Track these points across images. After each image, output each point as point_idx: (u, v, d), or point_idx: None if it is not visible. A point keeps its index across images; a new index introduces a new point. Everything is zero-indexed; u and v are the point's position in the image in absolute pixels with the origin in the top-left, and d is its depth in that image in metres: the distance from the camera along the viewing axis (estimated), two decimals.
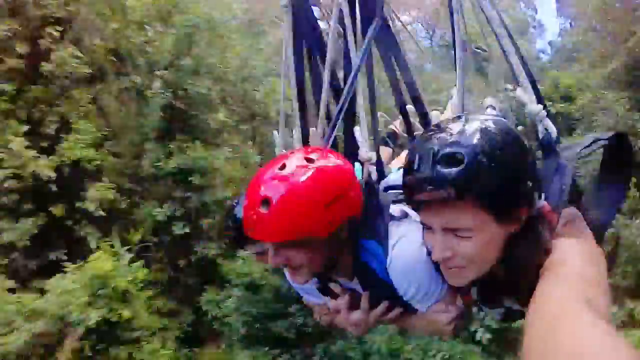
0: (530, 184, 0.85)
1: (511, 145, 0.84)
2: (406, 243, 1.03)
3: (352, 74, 1.30)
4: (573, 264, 0.74)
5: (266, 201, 0.92)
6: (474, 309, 1.22)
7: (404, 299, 1.14)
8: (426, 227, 0.92)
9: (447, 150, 0.81)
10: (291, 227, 0.92)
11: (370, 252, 1.12)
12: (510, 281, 0.93)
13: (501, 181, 0.81)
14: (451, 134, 0.84)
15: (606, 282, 0.78)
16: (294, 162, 0.98)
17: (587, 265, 0.73)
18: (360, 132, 1.27)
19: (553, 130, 1.11)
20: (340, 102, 1.29)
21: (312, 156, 1.01)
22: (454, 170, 0.79)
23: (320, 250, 1.03)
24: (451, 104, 1.38)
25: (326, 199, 0.95)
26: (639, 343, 6.55)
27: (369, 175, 1.23)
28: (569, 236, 0.87)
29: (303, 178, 0.94)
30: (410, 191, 0.88)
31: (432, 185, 0.81)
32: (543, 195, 0.94)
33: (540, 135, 1.12)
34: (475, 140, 0.81)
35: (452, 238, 0.86)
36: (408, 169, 0.88)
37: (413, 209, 0.96)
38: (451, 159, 0.80)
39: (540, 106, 1.14)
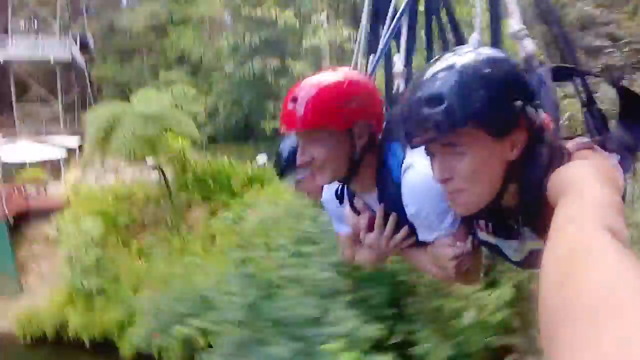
0: (520, 102, 0.81)
1: (490, 68, 0.81)
2: (423, 160, 0.96)
3: (392, 16, 1.52)
4: (588, 187, 0.65)
5: (295, 98, 1.03)
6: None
7: (411, 219, 1.12)
8: (430, 155, 0.90)
9: (429, 92, 0.82)
10: (312, 116, 1.02)
11: (393, 153, 1.11)
12: (524, 210, 0.90)
13: (487, 105, 0.79)
14: (432, 76, 0.84)
15: (621, 200, 0.72)
16: (323, 73, 1.11)
17: (604, 186, 0.65)
18: (398, 57, 1.49)
19: (531, 47, 1.18)
20: (384, 37, 1.54)
21: (341, 69, 1.13)
22: (437, 109, 0.80)
23: (340, 149, 1.07)
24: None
25: (345, 96, 1.04)
26: None
27: (398, 87, 1.43)
28: (581, 158, 0.83)
29: (327, 80, 1.05)
30: (409, 137, 0.90)
31: (423, 128, 0.83)
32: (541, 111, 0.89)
33: (523, 54, 1.18)
34: (454, 75, 0.81)
35: (451, 158, 0.85)
36: (402, 118, 0.92)
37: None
38: (434, 100, 0.81)
39: (521, 25, 1.20)
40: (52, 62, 21.27)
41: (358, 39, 1.76)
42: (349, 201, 1.26)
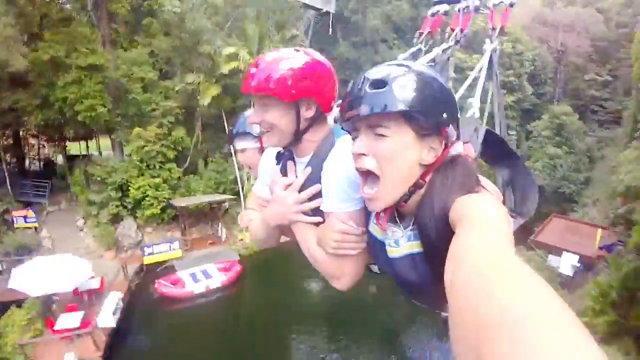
0: (446, 115, 0.90)
1: (433, 80, 0.91)
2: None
3: None
4: (496, 220, 0.70)
5: (257, 64, 1.14)
6: None
7: (322, 178, 1.18)
8: (353, 139, 0.97)
9: (374, 77, 0.90)
10: (264, 82, 1.11)
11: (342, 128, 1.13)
12: (422, 216, 0.91)
13: (421, 102, 0.87)
14: (382, 67, 0.93)
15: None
16: (289, 49, 1.18)
17: (505, 224, 0.70)
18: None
19: (477, 112, 2.16)
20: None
21: (306, 50, 1.19)
22: (378, 90, 0.88)
23: (286, 117, 1.16)
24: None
25: (298, 73, 1.12)
26: None
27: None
28: (487, 195, 0.87)
29: (288, 56, 1.14)
30: (344, 112, 0.95)
31: (360, 102, 0.89)
32: (461, 142, 1.00)
33: (468, 114, 2.06)
34: (401, 71, 0.90)
35: (373, 138, 0.91)
36: (344, 95, 0.96)
37: (348, 131, 0.99)
38: (378, 83, 0.89)
39: (477, 99, 2.24)
40: None
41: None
42: (283, 161, 1.31)
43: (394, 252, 1.04)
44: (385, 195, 0.93)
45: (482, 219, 0.71)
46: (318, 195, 1.21)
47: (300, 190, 1.23)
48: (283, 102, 1.14)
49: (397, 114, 0.87)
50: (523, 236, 15.12)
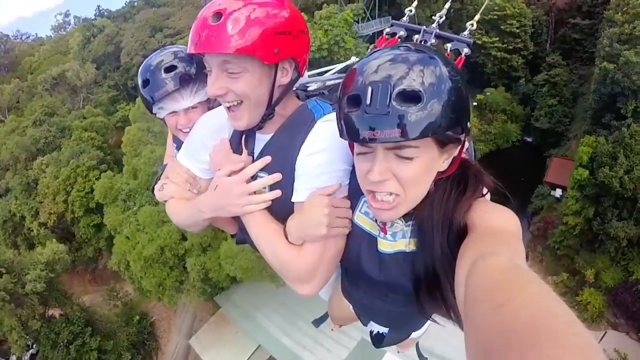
0: (469, 124, 0.84)
1: (460, 81, 0.79)
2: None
3: None
4: (506, 230, 0.72)
5: (219, 15, 0.86)
6: None
7: (300, 165, 1.01)
8: (361, 153, 0.84)
9: (405, 85, 0.73)
10: (240, 38, 0.85)
11: (320, 105, 1.06)
12: (424, 212, 0.90)
13: (454, 116, 0.77)
14: (407, 67, 0.75)
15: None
16: None
17: (515, 234, 0.73)
18: None
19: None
20: None
21: None
22: (411, 106, 0.73)
23: (264, 84, 0.94)
24: None
25: (277, 26, 0.89)
26: None
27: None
28: (489, 202, 0.89)
29: (260, 0, 0.90)
30: (355, 125, 0.78)
31: (387, 123, 0.74)
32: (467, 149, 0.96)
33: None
34: (432, 76, 0.75)
35: (394, 160, 0.81)
36: (352, 99, 0.78)
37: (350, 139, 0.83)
38: (411, 95, 0.73)
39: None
40: None
41: None
42: (236, 132, 1.11)
43: (386, 246, 0.98)
44: (404, 210, 0.88)
45: (495, 230, 0.73)
46: (276, 185, 1.03)
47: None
48: (261, 65, 0.92)
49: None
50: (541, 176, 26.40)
